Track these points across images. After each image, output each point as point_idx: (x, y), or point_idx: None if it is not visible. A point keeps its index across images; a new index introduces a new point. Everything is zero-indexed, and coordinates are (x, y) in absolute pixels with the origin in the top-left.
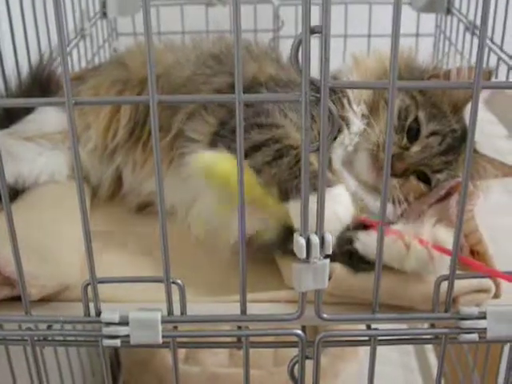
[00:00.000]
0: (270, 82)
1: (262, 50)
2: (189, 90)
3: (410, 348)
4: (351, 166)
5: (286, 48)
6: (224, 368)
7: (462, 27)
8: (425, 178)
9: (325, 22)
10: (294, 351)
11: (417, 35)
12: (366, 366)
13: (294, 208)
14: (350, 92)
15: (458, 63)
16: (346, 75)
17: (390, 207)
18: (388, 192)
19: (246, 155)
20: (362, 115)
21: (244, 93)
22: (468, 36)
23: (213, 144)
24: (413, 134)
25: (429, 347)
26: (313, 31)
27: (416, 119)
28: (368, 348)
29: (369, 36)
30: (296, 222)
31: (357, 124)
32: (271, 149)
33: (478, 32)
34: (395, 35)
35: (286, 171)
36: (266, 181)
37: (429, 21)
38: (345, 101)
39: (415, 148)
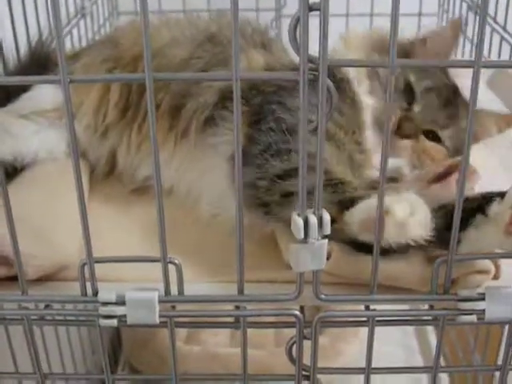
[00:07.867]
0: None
1: (249, 35)
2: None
3: (410, 329)
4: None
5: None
6: (225, 348)
7: (465, 6)
8: (435, 137)
9: None
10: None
11: (419, 15)
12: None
13: None
14: (350, 74)
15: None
16: (341, 55)
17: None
18: (402, 153)
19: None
20: (368, 92)
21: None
22: (471, 16)
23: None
24: (410, 96)
25: (430, 328)
26: (311, 8)
27: (408, 83)
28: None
29: (371, 15)
30: None
31: (368, 102)
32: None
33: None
34: (395, 11)
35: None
36: None
37: (431, 0)
38: (353, 85)
39: (416, 108)
